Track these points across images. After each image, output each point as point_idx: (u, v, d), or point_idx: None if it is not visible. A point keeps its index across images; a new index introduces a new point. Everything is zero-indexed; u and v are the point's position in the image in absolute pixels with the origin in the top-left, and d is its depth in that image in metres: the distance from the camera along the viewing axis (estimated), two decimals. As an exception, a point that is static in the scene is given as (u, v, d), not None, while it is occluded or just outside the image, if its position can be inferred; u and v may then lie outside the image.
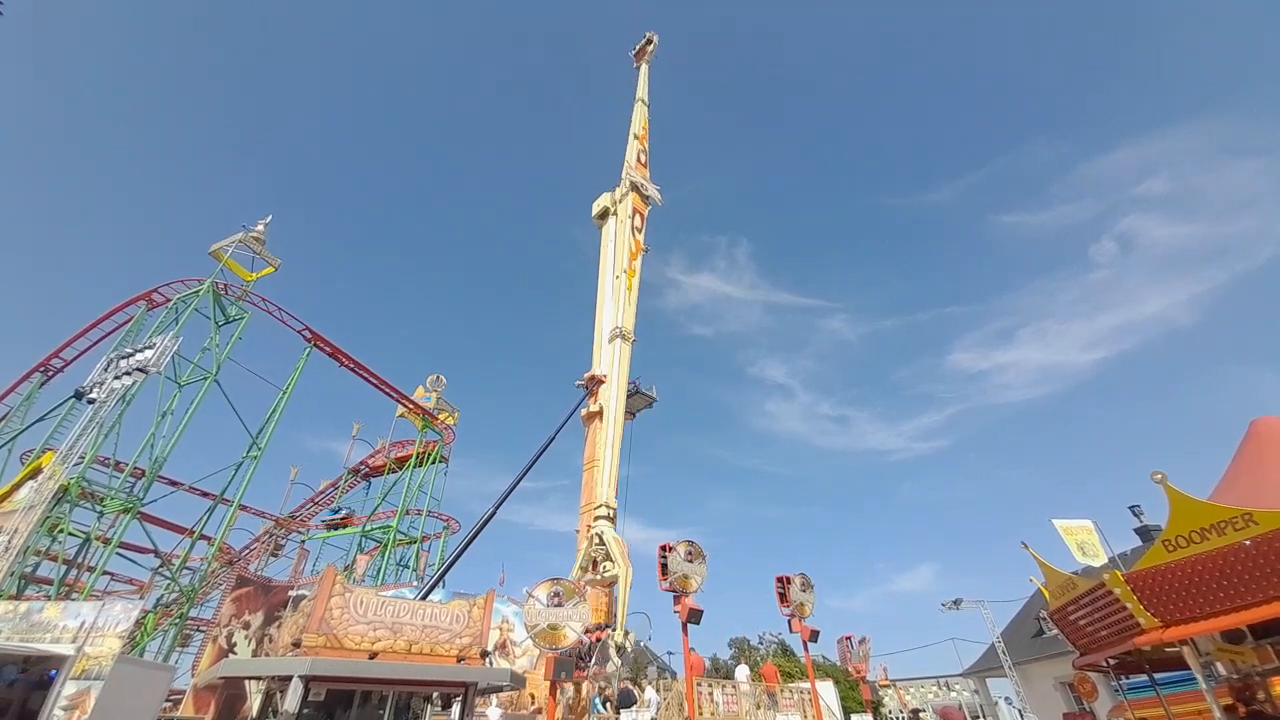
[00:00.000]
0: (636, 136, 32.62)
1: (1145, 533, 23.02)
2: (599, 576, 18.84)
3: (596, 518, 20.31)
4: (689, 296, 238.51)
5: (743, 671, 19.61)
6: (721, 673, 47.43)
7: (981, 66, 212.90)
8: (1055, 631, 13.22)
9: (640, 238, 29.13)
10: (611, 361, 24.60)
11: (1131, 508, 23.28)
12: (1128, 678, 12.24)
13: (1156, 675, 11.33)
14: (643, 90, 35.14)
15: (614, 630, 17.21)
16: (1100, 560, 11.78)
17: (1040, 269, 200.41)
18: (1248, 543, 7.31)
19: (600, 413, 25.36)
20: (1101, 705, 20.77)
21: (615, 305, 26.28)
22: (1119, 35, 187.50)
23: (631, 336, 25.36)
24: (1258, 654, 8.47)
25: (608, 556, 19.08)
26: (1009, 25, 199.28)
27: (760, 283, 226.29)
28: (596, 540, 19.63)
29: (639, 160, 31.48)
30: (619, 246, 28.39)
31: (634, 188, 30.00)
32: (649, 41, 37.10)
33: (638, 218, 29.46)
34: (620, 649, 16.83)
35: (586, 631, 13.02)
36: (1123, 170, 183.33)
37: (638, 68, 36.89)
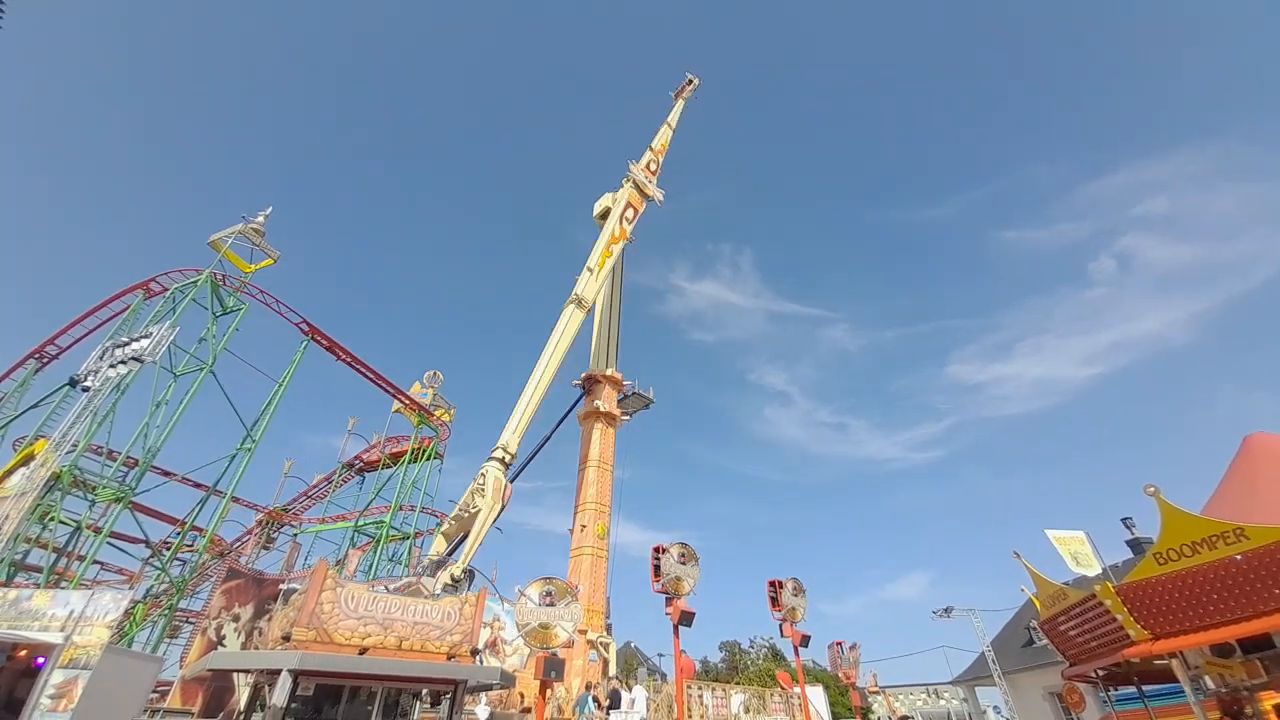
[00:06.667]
0: (653, 149, 32.87)
1: (1137, 545, 23.06)
2: (468, 513, 18.49)
3: (490, 459, 19.72)
4: (691, 303, 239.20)
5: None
6: (711, 675, 47.44)
7: (987, 87, 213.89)
8: (1045, 641, 13.24)
9: (628, 228, 29.19)
10: (558, 328, 23.94)
11: (1123, 520, 23.33)
12: (1116, 689, 12.26)
13: (1145, 687, 11.34)
14: (673, 118, 36.14)
15: (454, 564, 16.92)
16: (1093, 571, 11.81)
17: (1039, 285, 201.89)
18: (1239, 557, 7.33)
19: (598, 413, 25.36)
20: (1090, 716, 20.84)
21: (586, 277, 25.88)
22: (1121, 61, 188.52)
23: (586, 306, 24.82)
24: (1246, 668, 8.49)
25: (481, 491, 18.72)
26: (1014, 48, 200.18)
27: (763, 291, 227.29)
28: (479, 479, 19.34)
29: (648, 167, 31.57)
30: (603, 234, 28.35)
31: (635, 186, 30.08)
32: (690, 82, 38.21)
33: (630, 210, 29.60)
34: (456, 581, 16.15)
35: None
36: (1122, 191, 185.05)
37: (674, 102, 37.83)
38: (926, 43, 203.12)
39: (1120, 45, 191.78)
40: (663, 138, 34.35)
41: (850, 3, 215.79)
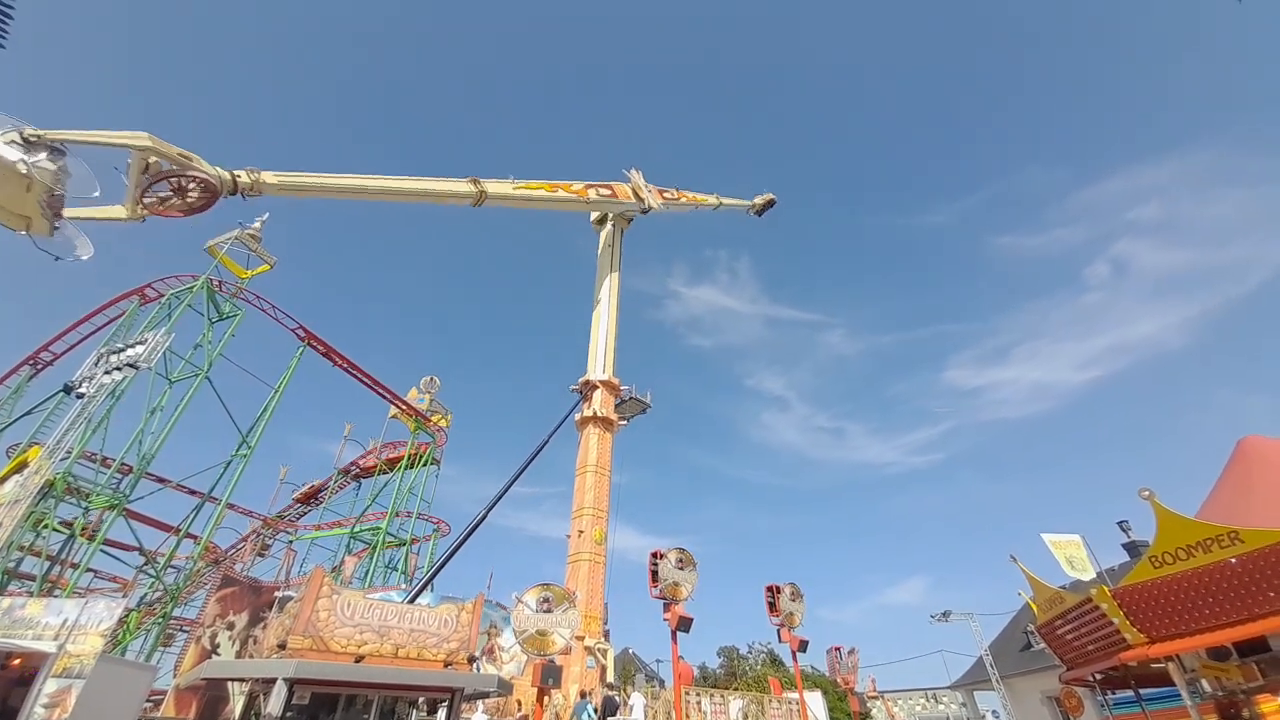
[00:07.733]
0: (681, 190, 33.20)
1: (1133, 548, 23.12)
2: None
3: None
4: (689, 309, 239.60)
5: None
6: (709, 681, 47.23)
7: (982, 93, 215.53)
8: (1042, 645, 13.29)
9: (592, 194, 28.71)
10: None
11: (1119, 523, 23.39)
12: (1114, 693, 12.28)
13: (1142, 691, 11.37)
14: (729, 202, 36.72)
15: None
16: (1088, 575, 11.85)
17: (1035, 290, 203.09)
18: (1233, 560, 7.36)
19: (595, 418, 25.33)
20: (1087, 720, 20.80)
21: (507, 182, 25.55)
22: (1116, 66, 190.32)
23: (479, 191, 24.01)
24: (1242, 671, 8.52)
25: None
26: (1009, 53, 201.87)
27: (761, 297, 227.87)
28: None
29: (662, 192, 31.85)
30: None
31: (633, 189, 30.12)
32: (767, 195, 40.20)
33: (609, 190, 29.51)
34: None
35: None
36: (1117, 196, 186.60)
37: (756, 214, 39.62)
38: (922, 47, 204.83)
39: (1115, 49, 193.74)
40: (701, 200, 34.27)
41: (847, 7, 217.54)
